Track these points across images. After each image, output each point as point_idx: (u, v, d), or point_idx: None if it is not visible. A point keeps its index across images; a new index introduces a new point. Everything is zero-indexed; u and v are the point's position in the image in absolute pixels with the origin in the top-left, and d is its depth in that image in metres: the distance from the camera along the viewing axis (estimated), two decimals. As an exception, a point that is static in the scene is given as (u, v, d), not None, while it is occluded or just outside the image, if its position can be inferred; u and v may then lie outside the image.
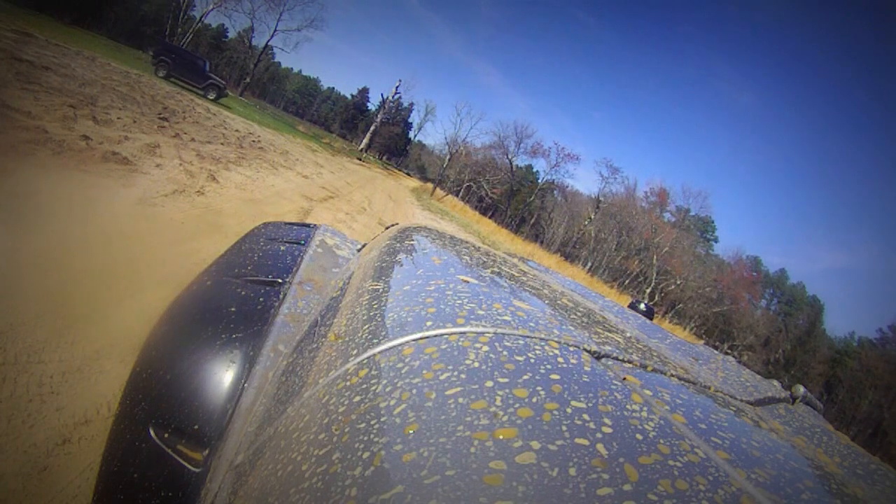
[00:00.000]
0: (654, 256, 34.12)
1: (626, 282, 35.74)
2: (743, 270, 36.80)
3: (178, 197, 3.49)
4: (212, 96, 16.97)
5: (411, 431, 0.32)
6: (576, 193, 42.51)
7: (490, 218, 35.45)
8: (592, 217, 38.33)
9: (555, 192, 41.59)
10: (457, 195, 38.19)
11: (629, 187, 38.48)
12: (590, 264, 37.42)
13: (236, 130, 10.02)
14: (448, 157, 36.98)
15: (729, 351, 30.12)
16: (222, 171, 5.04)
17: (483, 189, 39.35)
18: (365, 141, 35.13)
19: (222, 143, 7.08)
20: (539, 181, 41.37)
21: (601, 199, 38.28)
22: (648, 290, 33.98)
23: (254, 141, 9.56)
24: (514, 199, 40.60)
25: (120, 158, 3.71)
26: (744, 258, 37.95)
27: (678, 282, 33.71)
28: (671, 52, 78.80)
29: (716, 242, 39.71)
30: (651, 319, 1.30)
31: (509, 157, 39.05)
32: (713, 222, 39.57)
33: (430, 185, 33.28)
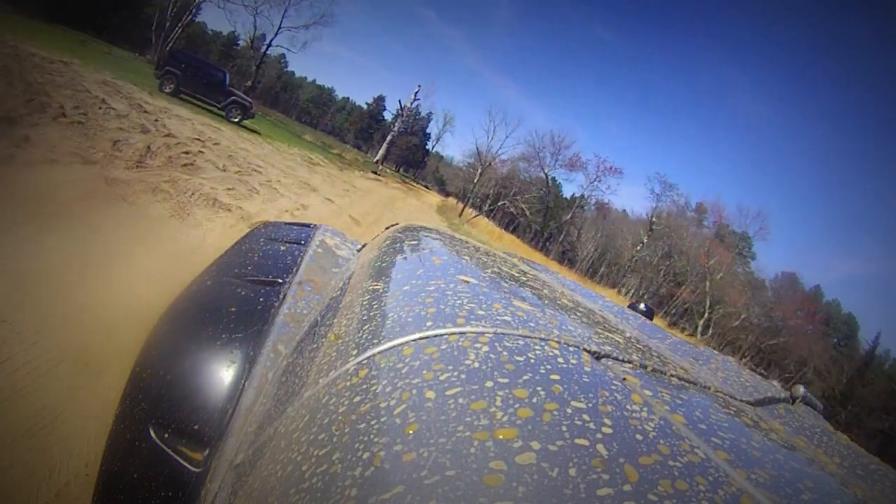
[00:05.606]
0: (708, 283, 29.26)
1: (673, 310, 30.97)
2: (803, 300, 32.07)
3: None
4: (235, 118, 12.84)
5: (411, 432, 0.33)
6: (611, 210, 37.09)
7: (516, 236, 31.43)
8: (645, 241, 32.15)
9: (593, 208, 36.36)
10: (488, 215, 32.64)
11: (680, 206, 32.89)
12: (642, 292, 32.24)
13: (169, 136, 5.67)
14: (479, 170, 30.73)
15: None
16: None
17: (518, 207, 33.14)
18: (381, 152, 30.22)
19: (116, 160, 3.71)
20: (573, 197, 36.07)
21: (654, 220, 32.11)
22: (702, 322, 29.09)
23: (200, 151, 5.73)
24: (551, 218, 35.26)
25: None
26: (793, 280, 32.97)
27: (740, 314, 28.74)
28: (684, 61, 75.46)
29: (752, 259, 34.08)
30: (651, 319, 1.28)
31: (545, 170, 32.67)
32: (749, 238, 33.43)
33: (453, 202, 29.77)
